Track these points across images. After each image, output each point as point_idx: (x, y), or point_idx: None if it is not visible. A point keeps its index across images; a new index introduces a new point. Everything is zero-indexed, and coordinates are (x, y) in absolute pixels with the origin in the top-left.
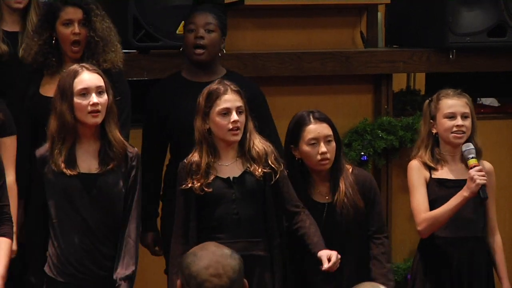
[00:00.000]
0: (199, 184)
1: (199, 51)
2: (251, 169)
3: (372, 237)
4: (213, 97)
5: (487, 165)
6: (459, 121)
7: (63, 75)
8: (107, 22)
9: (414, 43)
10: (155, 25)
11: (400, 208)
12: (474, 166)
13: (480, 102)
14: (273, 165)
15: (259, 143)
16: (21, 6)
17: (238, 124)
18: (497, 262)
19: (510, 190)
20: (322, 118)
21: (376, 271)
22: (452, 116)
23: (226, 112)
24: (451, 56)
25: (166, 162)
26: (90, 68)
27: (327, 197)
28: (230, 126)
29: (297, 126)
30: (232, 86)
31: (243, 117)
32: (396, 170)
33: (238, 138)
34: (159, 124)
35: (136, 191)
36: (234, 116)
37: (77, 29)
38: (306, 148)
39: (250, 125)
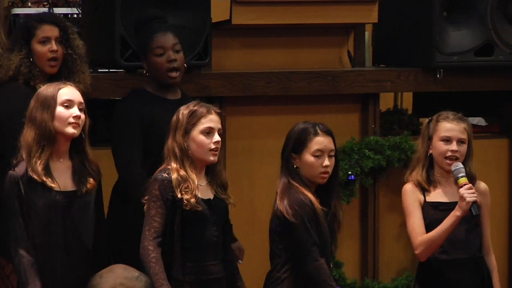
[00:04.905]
0: (194, 199)
1: (174, 74)
2: (222, 196)
3: None
4: (197, 116)
5: (482, 185)
6: (454, 146)
7: (45, 87)
8: (81, 41)
9: (401, 63)
10: None
11: (387, 228)
12: (464, 185)
13: None
14: (230, 196)
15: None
16: None
17: (219, 145)
18: (493, 283)
19: (498, 209)
20: (329, 132)
21: None
22: (448, 140)
23: (210, 131)
24: (438, 76)
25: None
26: (73, 85)
27: None
28: (212, 146)
29: (303, 135)
30: (215, 108)
31: (220, 141)
32: (383, 189)
33: (216, 159)
34: (142, 133)
35: (102, 205)
36: (217, 137)
37: (54, 47)
38: (310, 158)
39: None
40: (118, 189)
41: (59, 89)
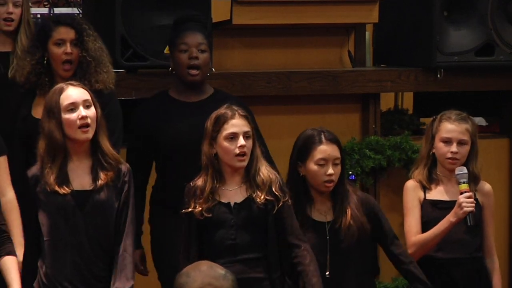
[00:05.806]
0: (200, 208)
1: (194, 71)
2: (254, 196)
3: (391, 244)
4: (220, 122)
5: (486, 186)
6: (453, 148)
7: (49, 94)
8: (99, 42)
9: (402, 63)
10: (143, 45)
11: None
12: (465, 192)
13: None
14: (277, 193)
15: (265, 170)
16: (11, 28)
17: (245, 149)
18: (493, 284)
19: (499, 209)
20: (334, 140)
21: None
22: (448, 141)
23: (233, 136)
24: (438, 76)
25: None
26: (75, 84)
27: (326, 216)
28: (237, 151)
29: (308, 144)
30: (240, 111)
31: (250, 142)
32: (384, 189)
33: (244, 164)
34: (147, 143)
35: (130, 207)
36: (241, 141)
37: (69, 49)
38: (313, 167)
39: (258, 151)
40: (154, 195)
41: (61, 94)
